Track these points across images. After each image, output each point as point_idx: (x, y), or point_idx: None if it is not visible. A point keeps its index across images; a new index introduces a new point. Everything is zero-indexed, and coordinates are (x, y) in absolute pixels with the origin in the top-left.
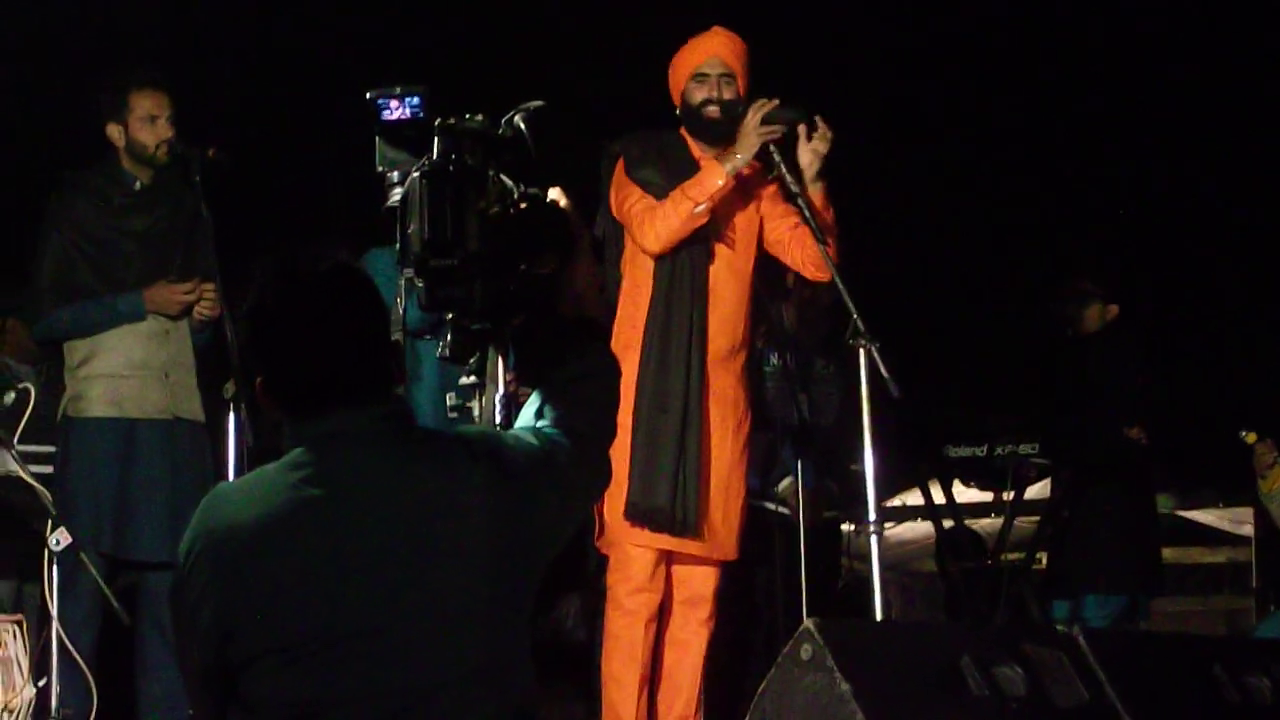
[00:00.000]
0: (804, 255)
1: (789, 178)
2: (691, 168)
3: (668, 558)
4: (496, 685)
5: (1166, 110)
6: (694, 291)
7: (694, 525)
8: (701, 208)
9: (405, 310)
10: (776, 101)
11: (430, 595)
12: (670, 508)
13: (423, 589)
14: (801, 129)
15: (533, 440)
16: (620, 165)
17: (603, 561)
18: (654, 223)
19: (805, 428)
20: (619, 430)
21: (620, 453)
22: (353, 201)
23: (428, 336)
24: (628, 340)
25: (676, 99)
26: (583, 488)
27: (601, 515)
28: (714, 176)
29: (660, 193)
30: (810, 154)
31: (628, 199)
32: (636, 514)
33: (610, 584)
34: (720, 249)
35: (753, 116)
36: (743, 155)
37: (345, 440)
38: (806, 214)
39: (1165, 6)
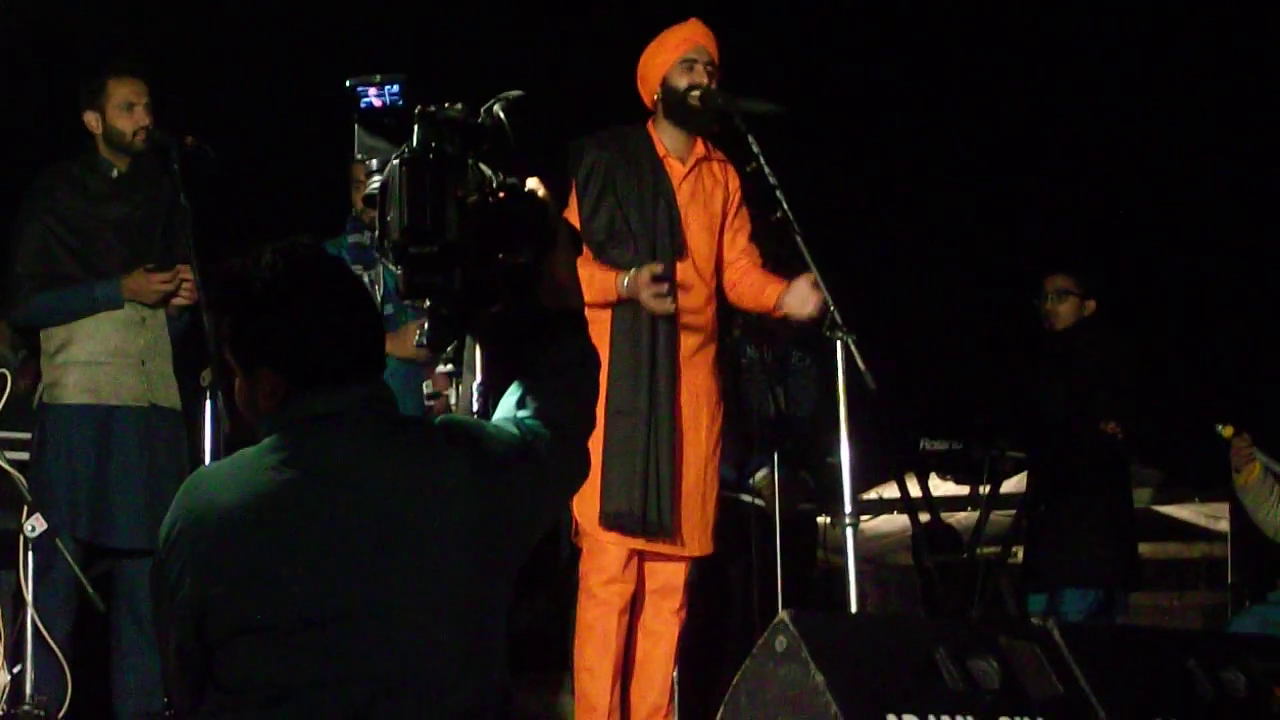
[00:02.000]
0: (743, 286)
1: (767, 170)
2: (655, 166)
3: (640, 550)
4: (473, 672)
5: (1145, 104)
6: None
7: (668, 527)
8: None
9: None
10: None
11: (409, 581)
12: (643, 513)
13: (401, 575)
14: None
15: (513, 430)
16: (574, 182)
17: (575, 553)
18: None
19: (781, 420)
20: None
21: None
22: (331, 190)
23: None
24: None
25: (654, 83)
26: (562, 478)
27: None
28: (607, 293)
29: (595, 237)
30: (801, 308)
31: None
32: (610, 520)
33: (583, 574)
34: (688, 245)
35: (647, 285)
36: (629, 291)
37: (326, 424)
38: (785, 207)
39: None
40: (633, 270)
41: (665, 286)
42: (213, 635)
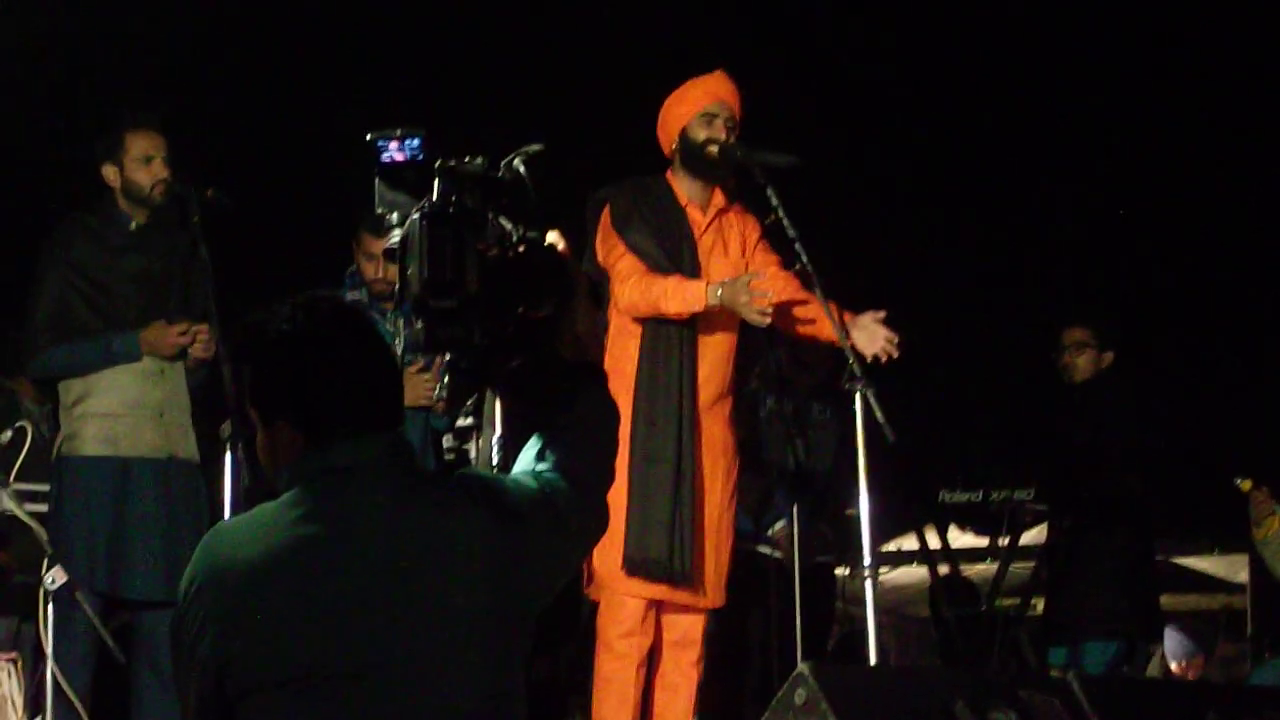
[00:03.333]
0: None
1: (786, 222)
2: (678, 216)
3: (658, 603)
4: None
5: (1162, 159)
6: (682, 340)
7: (690, 575)
8: (675, 314)
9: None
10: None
11: (428, 636)
12: (668, 560)
13: (421, 629)
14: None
15: (532, 484)
16: (607, 216)
17: (594, 606)
18: (631, 294)
19: (800, 471)
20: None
21: (614, 505)
22: (345, 243)
23: None
24: (614, 389)
25: (673, 133)
26: (581, 532)
27: (591, 563)
28: (696, 300)
29: (649, 260)
30: (870, 345)
31: (614, 254)
32: (634, 567)
33: (601, 628)
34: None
35: (748, 295)
36: (726, 299)
37: (348, 476)
38: (804, 258)
39: (1156, 46)
40: (729, 280)
41: (768, 295)
42: (234, 690)
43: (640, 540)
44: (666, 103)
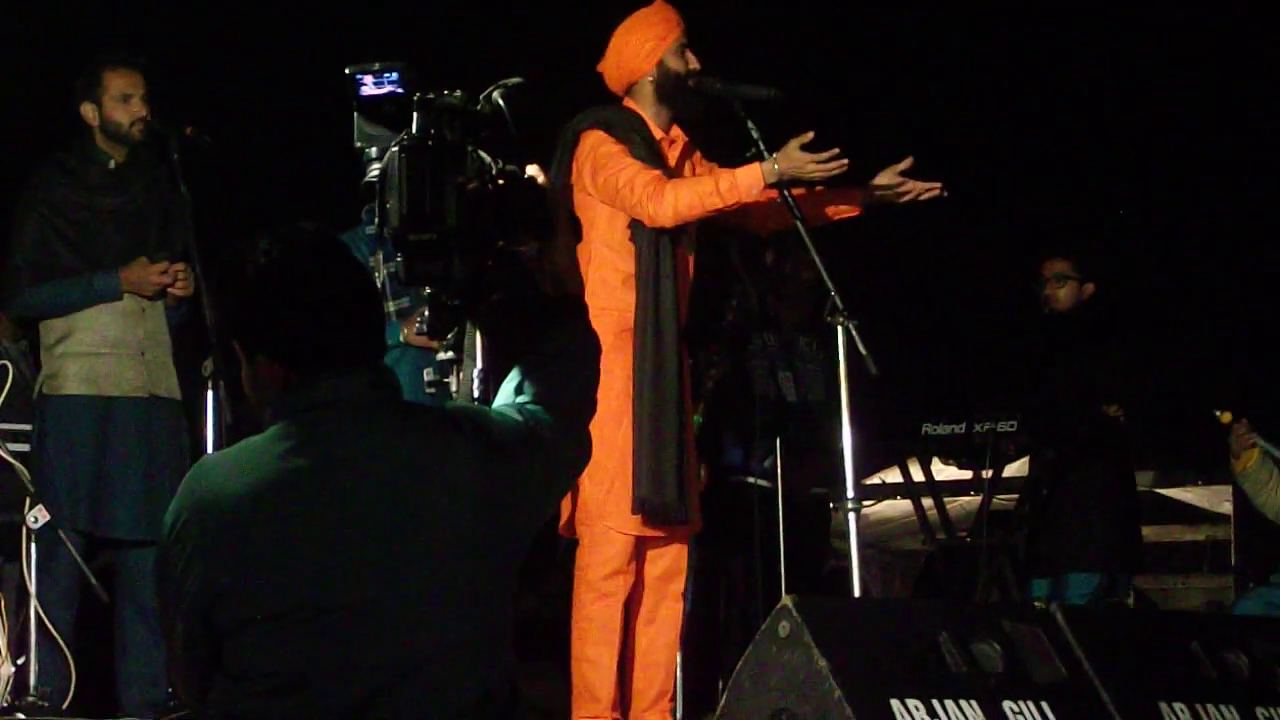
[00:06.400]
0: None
1: (766, 154)
2: (655, 145)
3: (640, 539)
4: (482, 661)
5: (1144, 88)
6: (676, 280)
7: (693, 515)
8: (729, 207)
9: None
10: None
11: (418, 569)
12: (679, 501)
13: (410, 562)
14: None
15: (516, 416)
16: (596, 138)
17: (570, 544)
18: (673, 200)
19: (784, 405)
20: (617, 423)
21: (620, 447)
22: (331, 179)
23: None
24: (606, 327)
25: (646, 67)
26: (567, 463)
27: (571, 501)
28: (754, 183)
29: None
30: (895, 190)
31: (622, 169)
32: (648, 509)
33: (583, 566)
34: (692, 231)
35: (797, 146)
36: (781, 170)
37: (334, 410)
38: (785, 192)
39: None
40: (778, 155)
41: (830, 153)
42: (222, 624)
43: (654, 485)
44: (630, 38)
